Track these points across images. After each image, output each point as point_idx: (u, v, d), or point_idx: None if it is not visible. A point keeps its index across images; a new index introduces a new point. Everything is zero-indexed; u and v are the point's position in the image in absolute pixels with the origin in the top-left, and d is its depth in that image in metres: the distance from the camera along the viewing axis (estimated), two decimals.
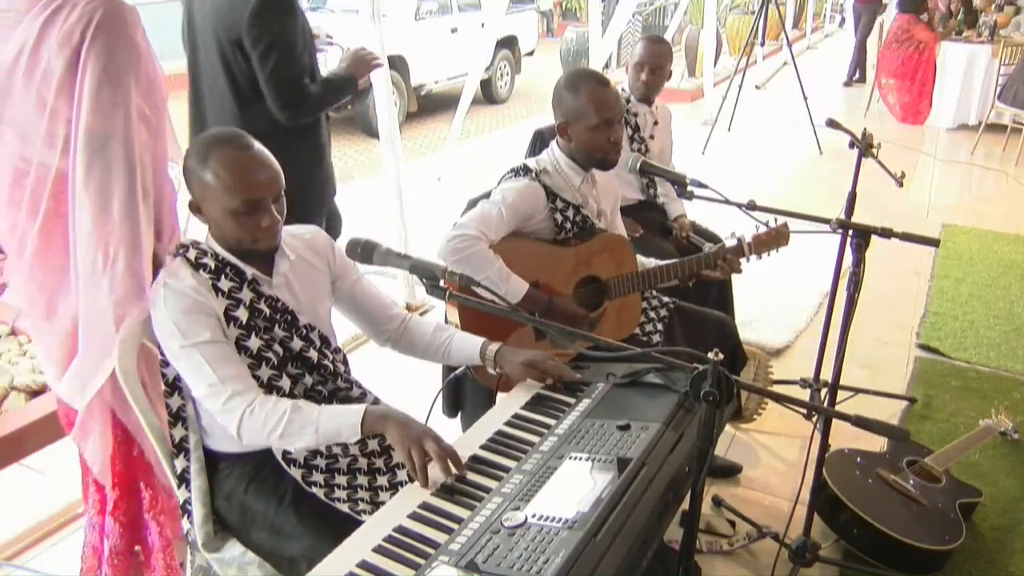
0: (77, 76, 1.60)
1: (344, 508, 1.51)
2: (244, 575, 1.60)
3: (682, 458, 1.35)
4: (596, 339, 1.42)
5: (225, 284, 1.53)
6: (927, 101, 7.43)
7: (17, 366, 2.91)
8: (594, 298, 2.14)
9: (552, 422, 1.53)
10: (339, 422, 1.46)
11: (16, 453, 2.40)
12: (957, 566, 2.15)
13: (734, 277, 2.77)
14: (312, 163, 2.60)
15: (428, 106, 8.77)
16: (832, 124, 2.75)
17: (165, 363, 1.57)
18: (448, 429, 1.84)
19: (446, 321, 2.08)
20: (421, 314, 3.65)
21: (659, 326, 2.30)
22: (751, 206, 2.10)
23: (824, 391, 2.73)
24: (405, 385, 2.94)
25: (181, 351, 1.48)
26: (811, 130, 6.52)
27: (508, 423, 1.56)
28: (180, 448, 1.62)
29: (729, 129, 7.06)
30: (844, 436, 2.39)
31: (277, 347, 1.58)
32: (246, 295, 1.55)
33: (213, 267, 1.54)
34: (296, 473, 1.55)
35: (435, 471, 1.37)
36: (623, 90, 2.96)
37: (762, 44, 9.58)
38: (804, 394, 2.86)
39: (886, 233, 1.97)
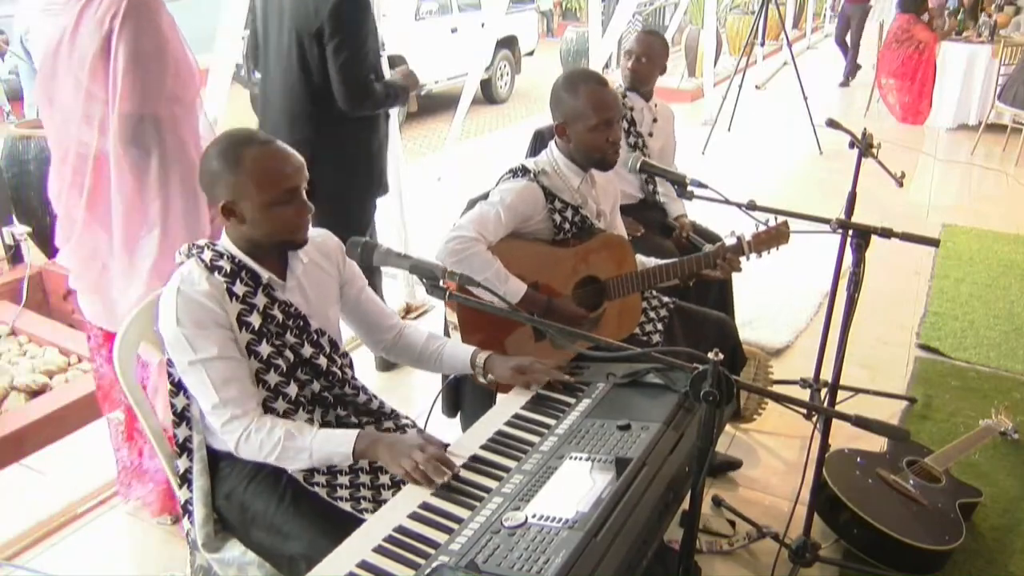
0: (110, 60, 1.74)
1: (346, 507, 1.51)
2: (244, 575, 1.61)
3: (682, 458, 1.35)
4: (596, 339, 1.42)
5: (240, 288, 1.54)
6: (927, 101, 7.43)
7: (17, 366, 2.91)
8: (593, 298, 2.14)
9: (552, 422, 1.53)
10: (331, 449, 1.50)
11: (16, 453, 2.41)
12: (957, 566, 2.15)
13: (734, 277, 2.77)
14: (373, 153, 2.80)
15: (428, 106, 8.77)
16: (832, 124, 2.75)
17: (171, 363, 1.57)
18: (448, 429, 1.85)
19: (445, 321, 2.08)
20: (421, 314, 3.65)
21: (659, 326, 2.30)
22: (751, 206, 2.10)
23: (824, 391, 2.73)
24: (405, 385, 2.95)
25: (189, 367, 1.50)
26: (811, 130, 6.52)
27: (508, 423, 1.56)
28: (184, 448, 1.62)
29: (729, 129, 7.06)
30: (844, 436, 2.39)
31: (288, 353, 1.59)
32: (260, 300, 1.56)
33: (228, 270, 1.54)
34: (298, 475, 1.56)
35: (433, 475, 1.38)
36: (619, 86, 2.96)
37: (762, 44, 9.57)
38: (804, 394, 2.86)
39: (886, 233, 1.97)
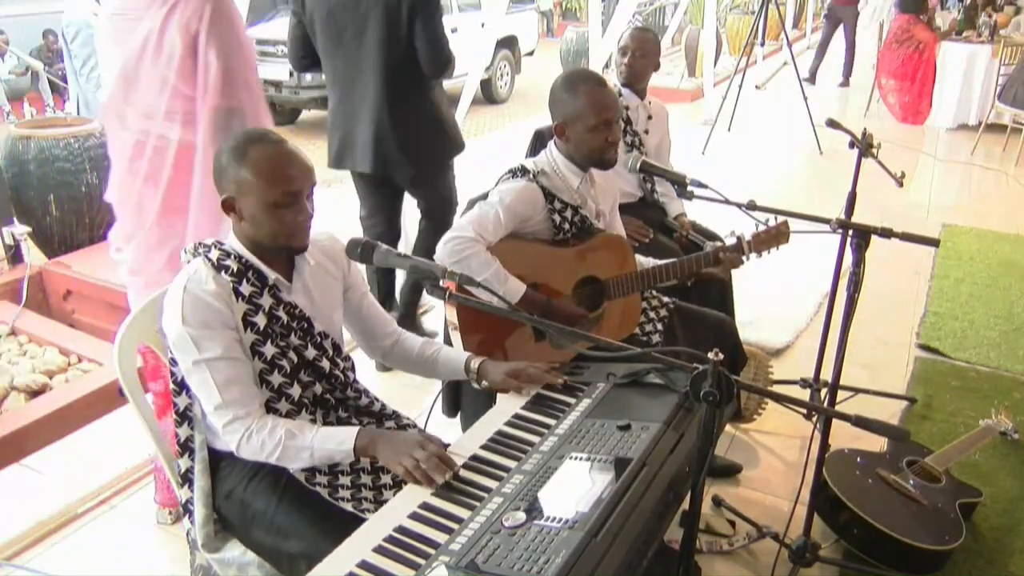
0: (198, 59, 1.94)
1: (348, 507, 1.51)
2: (244, 575, 1.61)
3: (682, 458, 1.35)
4: (596, 339, 1.42)
5: (246, 288, 1.54)
6: (927, 101, 7.42)
7: (17, 366, 2.91)
8: (593, 298, 2.14)
9: (552, 422, 1.53)
10: (332, 447, 1.50)
11: (16, 453, 2.41)
12: (957, 566, 2.15)
13: (734, 277, 2.77)
14: (449, 114, 3.14)
15: None
16: (832, 124, 2.75)
17: (174, 362, 1.57)
18: (448, 429, 1.85)
19: (445, 322, 2.08)
20: (421, 314, 3.65)
21: (659, 326, 2.30)
22: (751, 206, 2.10)
23: (824, 391, 2.73)
24: (406, 386, 2.94)
25: (193, 367, 1.50)
26: (811, 130, 6.52)
27: (508, 423, 1.56)
28: (185, 448, 1.62)
29: (729, 129, 7.05)
30: (844, 436, 2.39)
31: (292, 354, 1.59)
32: (266, 301, 1.56)
33: (235, 269, 1.54)
34: (300, 475, 1.56)
35: (433, 474, 1.38)
36: (614, 85, 2.96)
37: (762, 44, 9.58)
38: (804, 394, 2.86)
39: (886, 233, 1.97)
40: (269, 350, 1.55)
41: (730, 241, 2.21)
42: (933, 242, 2.03)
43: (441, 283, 1.50)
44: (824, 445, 2.07)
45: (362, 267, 1.75)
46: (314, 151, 4.88)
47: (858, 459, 2.36)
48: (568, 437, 1.44)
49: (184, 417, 1.61)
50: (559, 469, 1.32)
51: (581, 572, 1.07)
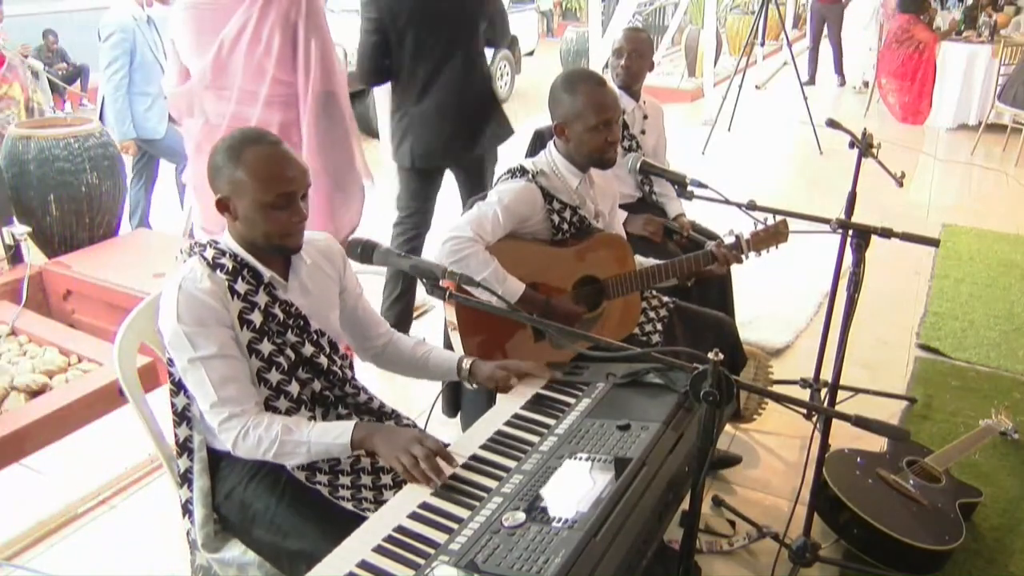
0: (297, 48, 2.13)
1: (348, 506, 1.51)
2: (244, 575, 1.61)
3: (682, 458, 1.35)
4: (595, 339, 1.42)
5: (242, 287, 1.54)
6: (927, 101, 7.42)
7: (17, 366, 2.91)
8: (592, 298, 2.14)
9: (552, 422, 1.53)
10: (328, 441, 1.50)
11: (16, 453, 2.41)
12: (957, 566, 2.15)
13: (734, 278, 2.77)
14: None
15: None
16: (832, 124, 2.75)
17: (171, 362, 1.57)
18: (448, 429, 1.85)
19: (445, 321, 2.08)
20: (421, 314, 3.65)
21: (659, 326, 2.30)
22: (751, 206, 2.10)
23: (824, 391, 2.73)
24: (405, 385, 2.94)
25: (189, 365, 1.50)
26: (811, 130, 6.52)
27: (508, 423, 1.56)
28: (184, 448, 1.62)
29: (729, 129, 7.05)
30: (844, 436, 2.39)
31: (289, 352, 1.59)
32: (261, 299, 1.56)
33: (231, 268, 1.54)
34: (300, 475, 1.56)
35: (431, 472, 1.38)
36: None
37: (762, 44, 9.55)
38: (804, 394, 2.86)
39: (886, 233, 1.97)
40: (266, 347, 1.55)
41: (729, 240, 2.21)
42: (933, 242, 2.03)
43: (441, 283, 1.50)
44: (824, 445, 2.07)
45: (361, 266, 1.75)
46: None
47: (858, 459, 2.36)
48: (568, 437, 1.44)
49: (182, 417, 1.61)
50: (559, 469, 1.32)
51: (580, 572, 1.07)
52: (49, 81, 8.46)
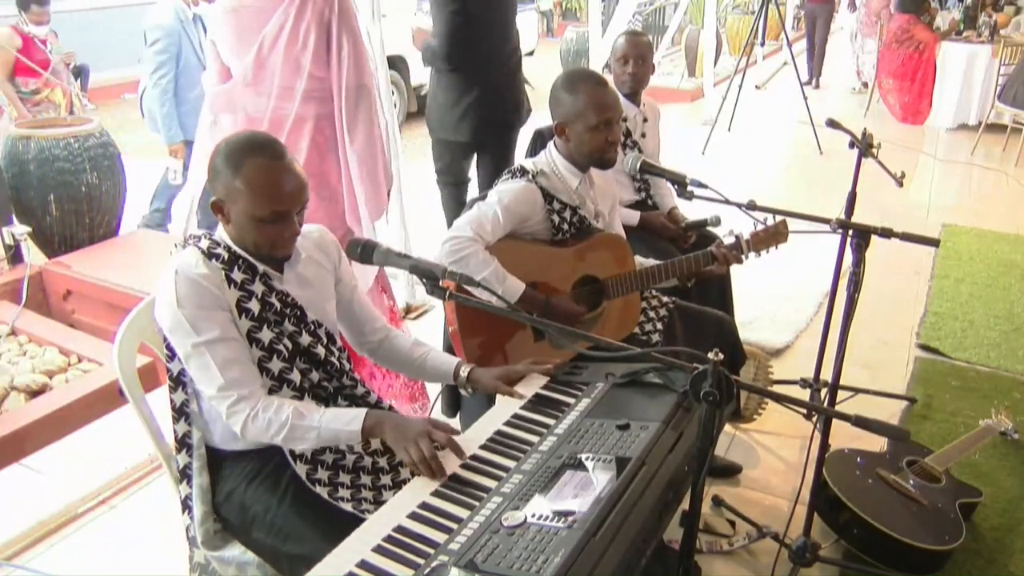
0: (331, 45, 2.28)
1: (348, 507, 1.51)
2: (243, 574, 1.61)
3: (681, 458, 1.35)
4: (595, 339, 1.42)
5: (238, 275, 1.54)
6: (927, 101, 7.42)
7: (17, 366, 2.91)
8: (592, 298, 2.14)
9: (552, 422, 1.53)
10: (339, 427, 1.49)
11: (16, 453, 2.40)
12: (957, 566, 2.15)
13: (734, 278, 2.77)
14: None
15: None
16: (832, 124, 2.74)
17: (170, 357, 1.57)
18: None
19: (445, 323, 2.08)
20: (421, 314, 3.65)
21: (659, 326, 2.30)
22: (751, 206, 2.10)
23: (824, 391, 2.72)
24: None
25: (193, 350, 1.49)
26: (811, 130, 6.52)
27: (508, 423, 1.55)
28: (183, 443, 1.62)
29: (729, 129, 7.05)
30: (844, 436, 2.39)
31: (286, 341, 1.59)
32: (258, 288, 1.56)
33: (226, 258, 1.54)
34: (301, 469, 1.55)
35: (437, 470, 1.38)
36: None
37: (762, 44, 9.55)
38: (804, 394, 2.86)
39: (886, 233, 1.97)
40: (266, 335, 1.55)
41: (728, 241, 2.21)
42: (933, 242, 2.03)
43: (441, 283, 1.50)
44: (824, 445, 2.07)
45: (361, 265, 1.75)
46: None
47: (858, 459, 2.36)
48: (567, 437, 1.44)
49: (181, 413, 1.61)
50: (559, 470, 1.32)
51: (580, 571, 1.07)
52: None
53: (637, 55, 2.86)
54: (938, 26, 7.84)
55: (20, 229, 3.37)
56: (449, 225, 2.15)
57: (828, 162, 6.30)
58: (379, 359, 1.86)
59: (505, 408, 1.61)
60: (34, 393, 2.76)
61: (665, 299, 2.36)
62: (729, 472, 2.56)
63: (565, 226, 2.10)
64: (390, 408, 1.76)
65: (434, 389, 2.52)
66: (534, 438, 1.48)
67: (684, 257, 2.18)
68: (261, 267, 1.57)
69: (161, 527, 2.30)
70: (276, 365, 1.57)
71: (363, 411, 1.50)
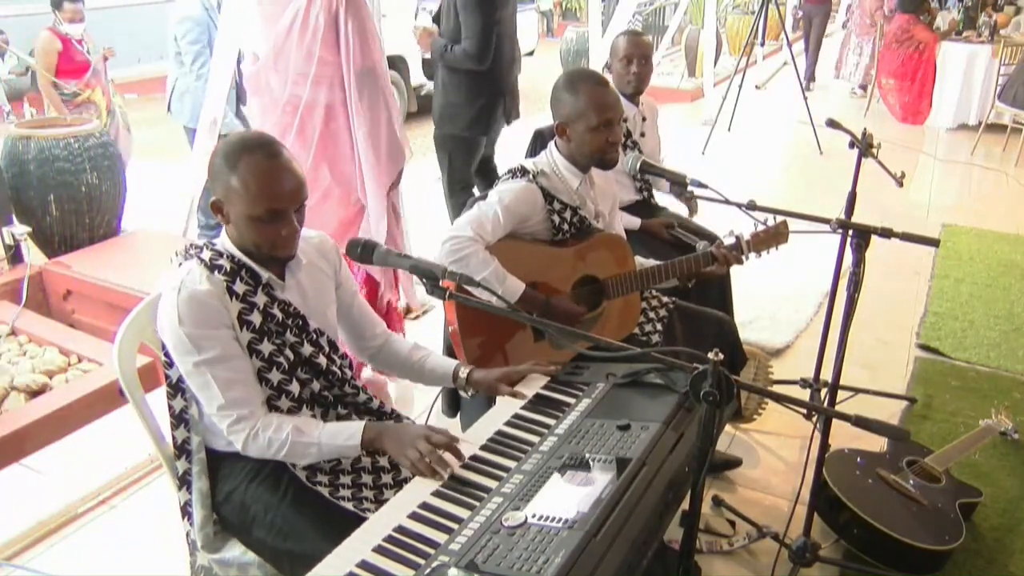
0: (340, 31, 2.42)
1: (348, 507, 1.51)
2: (244, 575, 1.60)
3: (682, 458, 1.35)
4: (596, 339, 1.42)
5: (240, 287, 1.54)
6: (927, 101, 7.42)
7: (17, 366, 2.91)
8: (592, 298, 2.14)
9: (552, 422, 1.53)
10: (339, 443, 1.51)
11: (16, 453, 2.40)
12: (957, 566, 2.15)
13: (734, 278, 2.77)
14: None
15: (428, 106, 8.74)
16: (832, 124, 2.74)
17: (168, 364, 1.56)
18: (448, 429, 1.84)
19: (445, 323, 2.08)
20: (421, 314, 3.65)
21: (659, 326, 2.30)
22: (751, 206, 2.10)
23: (824, 391, 2.73)
24: (406, 385, 2.94)
25: (194, 368, 1.49)
26: (811, 130, 6.52)
27: (508, 423, 1.56)
28: (183, 450, 1.62)
29: (729, 129, 7.05)
30: (844, 436, 2.39)
31: (288, 352, 1.59)
32: (260, 299, 1.56)
33: (228, 269, 1.54)
34: (302, 472, 1.56)
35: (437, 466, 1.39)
36: None
37: (762, 44, 9.55)
38: (804, 394, 2.86)
39: (886, 233, 1.97)
40: (266, 348, 1.55)
41: (729, 241, 2.21)
42: (933, 242, 2.03)
43: (441, 283, 1.49)
44: (824, 445, 2.07)
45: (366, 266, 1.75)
46: None
47: (858, 459, 2.36)
48: (568, 437, 1.44)
49: (180, 419, 1.61)
50: (559, 471, 1.32)
51: (581, 572, 1.07)
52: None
53: (640, 55, 2.87)
54: (938, 26, 7.84)
55: (20, 229, 3.37)
56: None
57: (828, 162, 6.30)
58: (380, 364, 1.87)
59: (505, 408, 1.61)
60: (34, 393, 2.76)
61: (665, 299, 2.36)
62: (729, 466, 2.55)
63: (565, 226, 2.10)
64: (393, 413, 1.76)
65: (432, 391, 2.52)
66: (535, 438, 1.48)
67: (685, 257, 2.18)
68: (264, 275, 1.57)
69: (161, 527, 2.30)
70: (275, 376, 1.57)
71: (361, 425, 1.51)
